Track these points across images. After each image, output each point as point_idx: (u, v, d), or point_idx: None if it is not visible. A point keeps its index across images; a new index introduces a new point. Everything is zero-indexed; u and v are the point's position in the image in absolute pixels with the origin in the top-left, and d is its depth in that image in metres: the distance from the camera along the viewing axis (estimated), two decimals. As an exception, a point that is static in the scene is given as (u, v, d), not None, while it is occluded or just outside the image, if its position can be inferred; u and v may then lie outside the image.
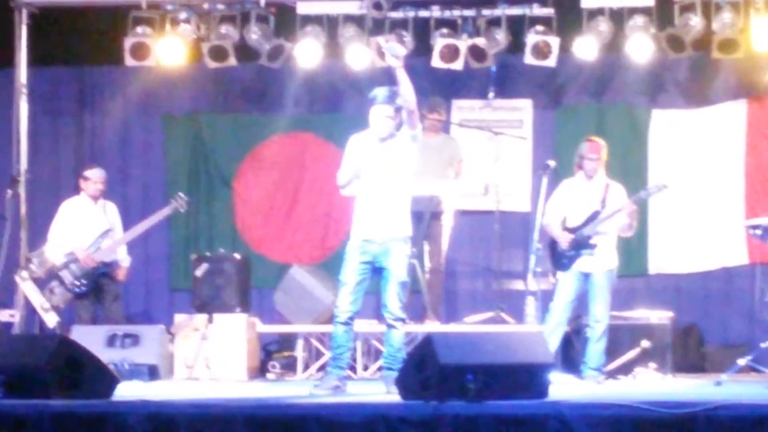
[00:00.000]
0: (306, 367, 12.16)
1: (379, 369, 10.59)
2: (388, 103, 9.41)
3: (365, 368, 11.81)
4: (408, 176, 9.72)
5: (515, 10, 13.15)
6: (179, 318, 12.36)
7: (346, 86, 14.01)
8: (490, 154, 13.42)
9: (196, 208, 13.93)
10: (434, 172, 12.30)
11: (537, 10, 13.06)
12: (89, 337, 10.82)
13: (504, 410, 7.68)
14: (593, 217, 10.87)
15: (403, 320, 9.92)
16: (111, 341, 11.36)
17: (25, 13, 13.32)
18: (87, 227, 12.25)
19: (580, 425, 7.36)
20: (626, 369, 11.65)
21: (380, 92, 9.59)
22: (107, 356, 10.16)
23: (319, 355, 12.20)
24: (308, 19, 13.43)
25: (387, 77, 12.75)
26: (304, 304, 12.60)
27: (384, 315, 9.79)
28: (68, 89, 14.75)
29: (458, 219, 13.09)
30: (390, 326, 9.68)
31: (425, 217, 12.15)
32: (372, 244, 9.51)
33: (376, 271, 9.71)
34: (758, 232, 11.03)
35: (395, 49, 9.53)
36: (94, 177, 12.30)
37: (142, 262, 13.66)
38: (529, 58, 13.18)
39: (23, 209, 13.17)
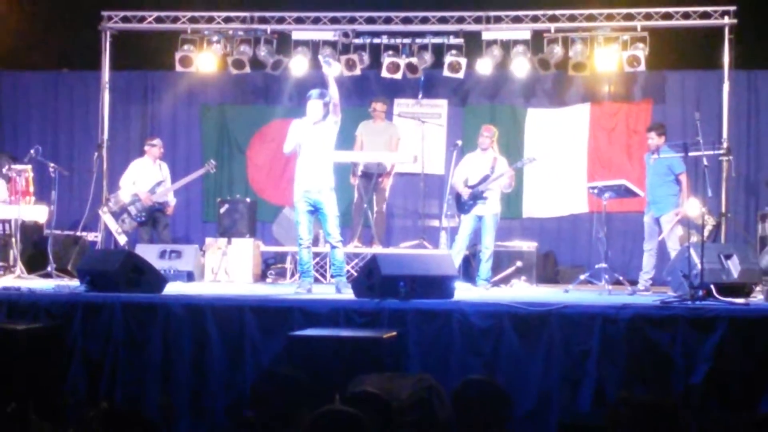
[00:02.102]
0: (292, 275, 13.23)
1: (332, 276, 11.41)
2: (318, 98, 10.73)
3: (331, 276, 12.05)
4: (331, 147, 10.86)
5: (438, 40, 14.63)
6: (208, 240, 13.46)
7: (323, 87, 13.91)
8: (418, 135, 14.38)
9: (221, 168, 14.96)
10: (380, 147, 13.64)
11: (452, 40, 14.57)
12: (147, 252, 11.99)
13: (424, 306, 8.84)
14: (485, 179, 12.14)
15: (341, 242, 10.97)
16: (162, 255, 12.49)
17: (108, 34, 14.83)
18: (147, 178, 13.28)
19: (474, 317, 8.66)
20: (505, 280, 12.94)
21: (314, 92, 10.87)
22: (159, 265, 11.33)
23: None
24: (299, 42, 14.75)
25: (351, 81, 14.54)
26: (291, 232, 13.34)
27: (328, 240, 10.91)
28: (136, 86, 16.05)
29: (396, 178, 14.23)
30: (333, 247, 10.83)
31: (374, 177, 13.46)
32: (310, 193, 10.64)
33: (317, 211, 10.74)
34: (594, 190, 12.46)
35: (328, 63, 10.92)
36: (155, 144, 13.50)
37: (184, 203, 14.72)
38: (446, 72, 14.62)
39: (105, 166, 14.53)
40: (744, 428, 3.20)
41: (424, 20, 14.70)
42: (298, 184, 10.80)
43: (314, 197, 10.71)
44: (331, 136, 10.85)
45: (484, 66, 14.62)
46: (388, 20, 14.75)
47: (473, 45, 14.63)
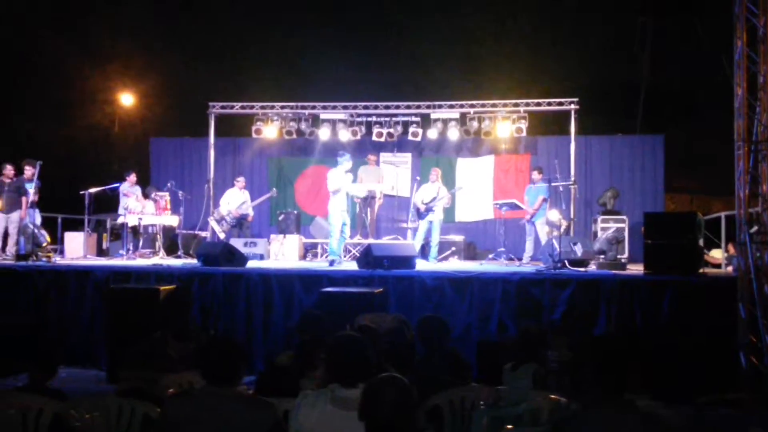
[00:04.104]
0: (322, 255, 13.08)
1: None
2: (349, 161, 10.84)
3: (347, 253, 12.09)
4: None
5: (405, 118, 14.49)
6: (273, 236, 13.32)
7: (339, 146, 14.39)
8: (394, 174, 14.68)
9: (280, 194, 14.78)
10: (372, 181, 13.47)
11: (413, 119, 14.44)
12: (237, 243, 11.88)
13: (398, 274, 8.84)
14: (433, 199, 12.04)
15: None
16: (245, 244, 12.28)
17: (213, 115, 14.75)
18: (236, 200, 13.09)
19: (427, 279, 8.66)
20: (446, 258, 12.75)
21: (347, 156, 10.88)
22: (244, 250, 11.10)
23: (326, 250, 12.34)
24: (324, 120, 14.64)
25: (355, 143, 14.37)
26: (321, 231, 13.64)
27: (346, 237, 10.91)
28: (229, 147, 15.80)
29: (383, 199, 14.00)
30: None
31: (369, 198, 13.35)
32: (343, 212, 10.69)
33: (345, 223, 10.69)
34: (497, 205, 12.58)
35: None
36: (240, 180, 13.39)
37: (258, 214, 14.47)
38: (410, 137, 14.49)
39: (211, 192, 14.43)
40: (584, 344, 3.20)
41: (397, 107, 14.61)
42: (337, 205, 10.87)
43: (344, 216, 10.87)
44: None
45: (432, 133, 14.54)
46: (376, 107, 14.63)
47: (426, 121, 14.53)
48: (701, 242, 8.95)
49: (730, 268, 10.07)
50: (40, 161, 11.59)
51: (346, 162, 10.83)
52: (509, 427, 4.08)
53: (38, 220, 11.63)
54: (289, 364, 4.97)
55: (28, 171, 11.61)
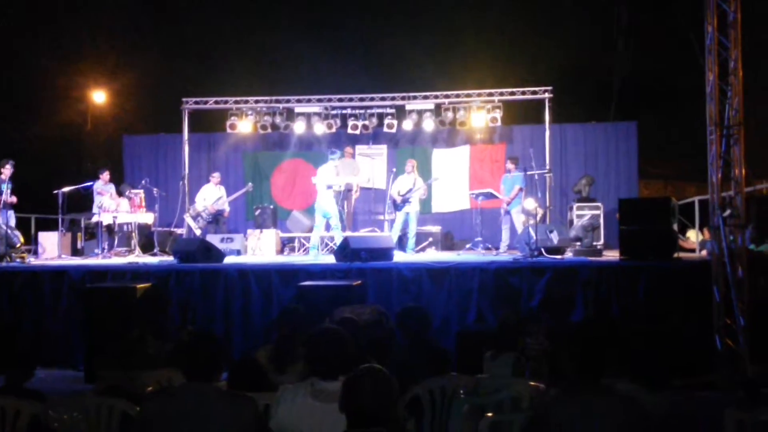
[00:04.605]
0: (299, 249, 13.13)
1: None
2: (332, 155, 11.14)
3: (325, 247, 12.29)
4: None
5: (380, 110, 14.31)
6: (249, 231, 13.31)
7: (314, 140, 14.98)
8: (370, 167, 14.68)
9: (256, 189, 14.66)
10: (349, 174, 13.30)
11: (388, 110, 14.28)
12: (213, 239, 11.90)
13: (376, 266, 8.86)
14: (410, 191, 12.02)
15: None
16: (222, 240, 12.27)
17: (186, 111, 14.55)
18: (211, 196, 12.98)
19: (405, 271, 8.67)
20: (423, 249, 12.80)
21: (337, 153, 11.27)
22: (220, 246, 11.16)
23: (304, 244, 12.97)
24: (299, 114, 14.52)
25: (331, 136, 14.39)
26: (298, 225, 13.77)
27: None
28: (203, 142, 15.57)
29: (359, 191, 13.97)
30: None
31: (345, 191, 13.01)
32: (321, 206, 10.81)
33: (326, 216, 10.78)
34: (473, 195, 12.47)
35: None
36: (216, 175, 13.22)
37: (234, 210, 14.20)
38: (385, 129, 14.33)
39: (186, 189, 14.21)
40: (562, 332, 3.23)
41: (372, 99, 14.52)
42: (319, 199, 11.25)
43: (324, 208, 11.28)
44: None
45: (407, 125, 14.45)
46: (351, 99, 14.56)
47: (400, 113, 14.45)
48: (675, 227, 9.05)
49: (704, 252, 10.18)
50: (12, 161, 11.37)
51: (336, 159, 11.42)
52: (489, 414, 4.08)
53: (12, 221, 11.41)
54: (265, 359, 4.96)
55: (7, 170, 11.31)
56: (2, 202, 11.22)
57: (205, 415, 3.31)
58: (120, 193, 12.97)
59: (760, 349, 7.29)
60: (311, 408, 3.40)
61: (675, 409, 3.41)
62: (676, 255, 8.84)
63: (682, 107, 16.28)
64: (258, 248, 12.78)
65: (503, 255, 11.19)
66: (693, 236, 11.78)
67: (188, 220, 13.12)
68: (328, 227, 11.64)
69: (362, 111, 14.48)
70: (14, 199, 11.40)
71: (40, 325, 9.22)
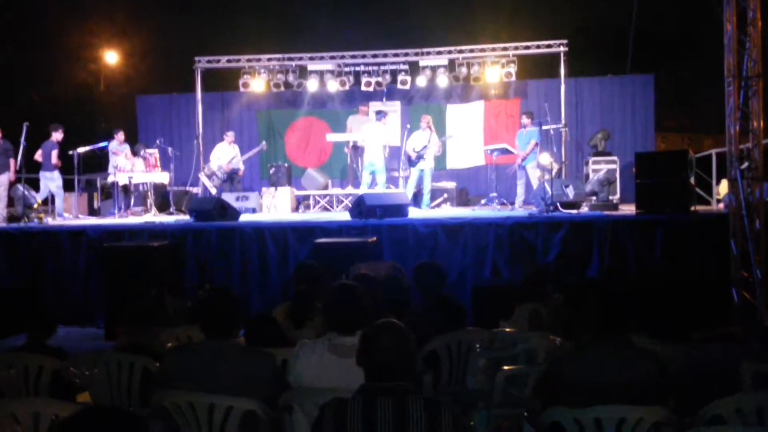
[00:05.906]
0: (314, 207, 13.25)
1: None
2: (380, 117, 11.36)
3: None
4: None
5: (393, 66, 14.18)
6: (264, 189, 13.26)
7: (328, 98, 15.00)
8: (386, 123, 13.66)
9: (270, 147, 14.69)
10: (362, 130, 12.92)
11: (402, 66, 14.14)
12: (229, 197, 11.91)
13: (391, 222, 8.88)
14: (424, 147, 11.92)
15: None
16: (237, 198, 12.32)
17: (199, 70, 14.46)
18: (226, 155, 13.00)
19: (421, 227, 8.71)
20: (438, 205, 12.85)
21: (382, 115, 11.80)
22: (236, 204, 11.31)
23: (318, 201, 13.29)
24: (312, 71, 14.40)
25: (344, 93, 14.38)
26: (313, 183, 13.86)
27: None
28: (217, 101, 15.59)
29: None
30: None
31: (360, 149, 13.02)
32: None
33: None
34: (488, 151, 12.40)
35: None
36: (230, 134, 13.23)
37: (249, 168, 14.39)
38: (399, 86, 14.24)
39: (201, 148, 14.22)
40: (578, 286, 3.23)
41: (385, 55, 14.34)
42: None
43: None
44: None
45: (421, 81, 14.34)
46: (364, 56, 14.39)
47: (414, 69, 14.33)
48: (692, 180, 8.95)
49: (721, 205, 10.10)
50: (61, 126, 11.65)
51: (383, 120, 12.08)
52: (506, 368, 4.10)
53: (60, 182, 11.77)
54: (283, 316, 4.96)
55: (58, 134, 11.67)
56: (53, 164, 11.55)
57: (224, 370, 3.34)
58: (135, 153, 12.96)
59: (777, 301, 7.11)
60: (329, 362, 3.41)
61: (691, 362, 3.39)
62: (692, 208, 8.77)
63: (699, 59, 16.05)
64: (273, 206, 12.79)
65: (519, 210, 11.14)
66: (724, 188, 11.60)
67: (203, 179, 13.10)
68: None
69: (375, 68, 14.33)
70: (60, 162, 11.72)
71: (60, 283, 9.30)
